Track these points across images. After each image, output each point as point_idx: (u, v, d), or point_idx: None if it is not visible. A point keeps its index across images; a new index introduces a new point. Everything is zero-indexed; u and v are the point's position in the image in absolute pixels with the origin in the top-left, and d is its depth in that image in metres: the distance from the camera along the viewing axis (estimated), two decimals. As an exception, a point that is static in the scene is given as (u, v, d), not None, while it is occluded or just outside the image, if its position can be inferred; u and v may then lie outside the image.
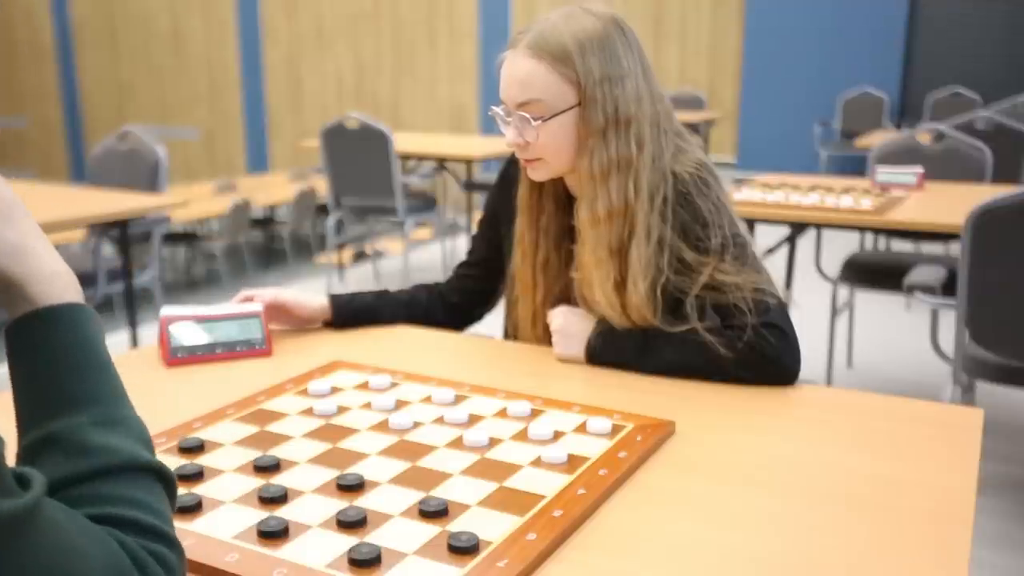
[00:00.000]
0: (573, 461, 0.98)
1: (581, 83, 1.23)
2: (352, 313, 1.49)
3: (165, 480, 0.64)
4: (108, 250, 3.35)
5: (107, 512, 0.58)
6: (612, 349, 1.30)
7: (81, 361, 0.64)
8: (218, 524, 0.85)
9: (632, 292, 1.27)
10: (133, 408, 0.66)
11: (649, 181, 1.27)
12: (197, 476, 0.94)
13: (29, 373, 0.63)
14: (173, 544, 0.61)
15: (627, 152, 1.25)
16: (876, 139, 4.76)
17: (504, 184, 1.50)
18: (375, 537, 0.82)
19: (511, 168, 1.49)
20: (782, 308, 1.25)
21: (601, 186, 1.26)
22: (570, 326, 1.35)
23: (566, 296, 1.41)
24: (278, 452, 1.01)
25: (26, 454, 0.61)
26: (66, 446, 0.60)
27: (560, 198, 1.40)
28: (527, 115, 1.25)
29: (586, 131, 1.25)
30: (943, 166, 3.21)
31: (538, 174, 1.32)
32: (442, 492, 0.91)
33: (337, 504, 0.88)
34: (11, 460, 0.53)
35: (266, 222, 7.79)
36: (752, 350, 1.21)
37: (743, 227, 1.32)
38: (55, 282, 0.65)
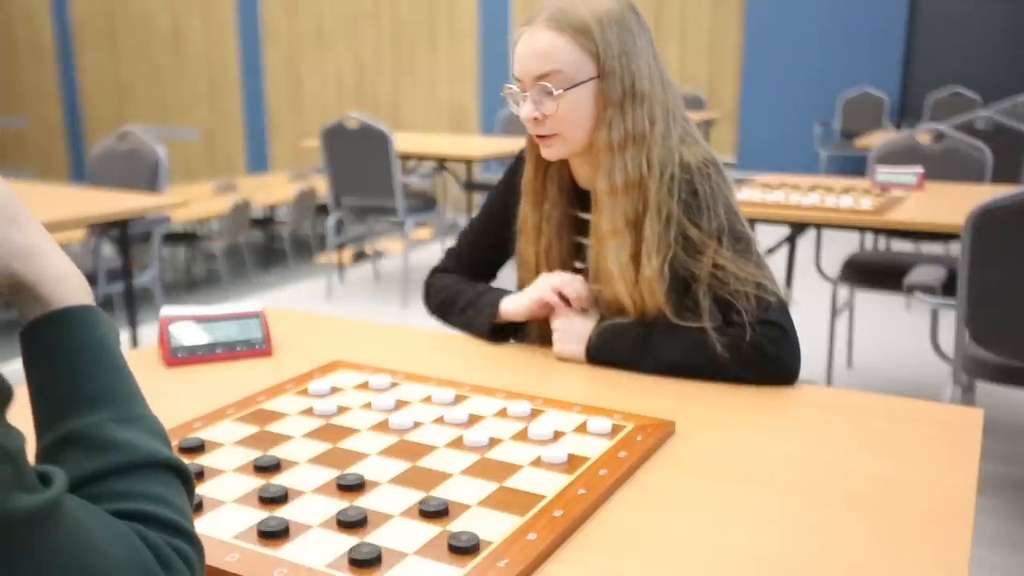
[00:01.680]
0: (573, 461, 0.98)
1: (600, 55, 1.25)
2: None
3: (183, 476, 0.65)
4: (108, 250, 3.35)
5: (129, 508, 0.59)
6: (612, 348, 1.31)
7: (96, 362, 0.64)
8: (218, 524, 0.85)
9: (646, 266, 1.28)
10: (148, 406, 0.67)
11: (659, 158, 1.29)
12: (197, 476, 0.94)
13: (45, 375, 0.63)
14: (193, 540, 0.61)
15: (642, 126, 1.28)
16: (876, 139, 4.76)
17: (513, 179, 1.48)
18: (375, 537, 0.82)
19: (518, 165, 1.48)
20: (783, 307, 1.25)
21: (618, 157, 1.28)
22: (571, 325, 1.35)
23: None
24: (278, 452, 1.01)
25: (46, 454, 0.61)
26: (87, 443, 0.61)
27: (565, 187, 1.41)
28: (548, 85, 1.25)
29: (604, 102, 1.27)
30: (943, 166, 3.21)
31: (553, 152, 1.32)
32: (442, 492, 0.91)
33: (337, 504, 0.88)
34: (31, 461, 0.53)
35: (266, 222, 7.79)
36: (753, 349, 1.22)
37: (747, 225, 1.32)
38: (66, 283, 0.65)
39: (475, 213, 1.61)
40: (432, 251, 6.05)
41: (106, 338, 0.66)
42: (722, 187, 1.31)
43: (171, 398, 1.21)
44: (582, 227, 1.40)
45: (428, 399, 1.17)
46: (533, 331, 1.46)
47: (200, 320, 1.37)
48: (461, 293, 1.48)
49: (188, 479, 0.65)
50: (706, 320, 1.25)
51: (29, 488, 0.50)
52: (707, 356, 1.23)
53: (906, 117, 7.38)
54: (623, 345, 1.30)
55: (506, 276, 1.57)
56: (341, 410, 1.13)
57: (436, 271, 1.57)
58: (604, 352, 1.31)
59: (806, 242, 3.27)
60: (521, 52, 1.29)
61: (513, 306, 1.41)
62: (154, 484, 0.61)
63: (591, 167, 1.35)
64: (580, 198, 1.41)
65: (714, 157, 1.34)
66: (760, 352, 1.22)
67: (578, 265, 1.42)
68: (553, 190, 1.41)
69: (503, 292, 1.45)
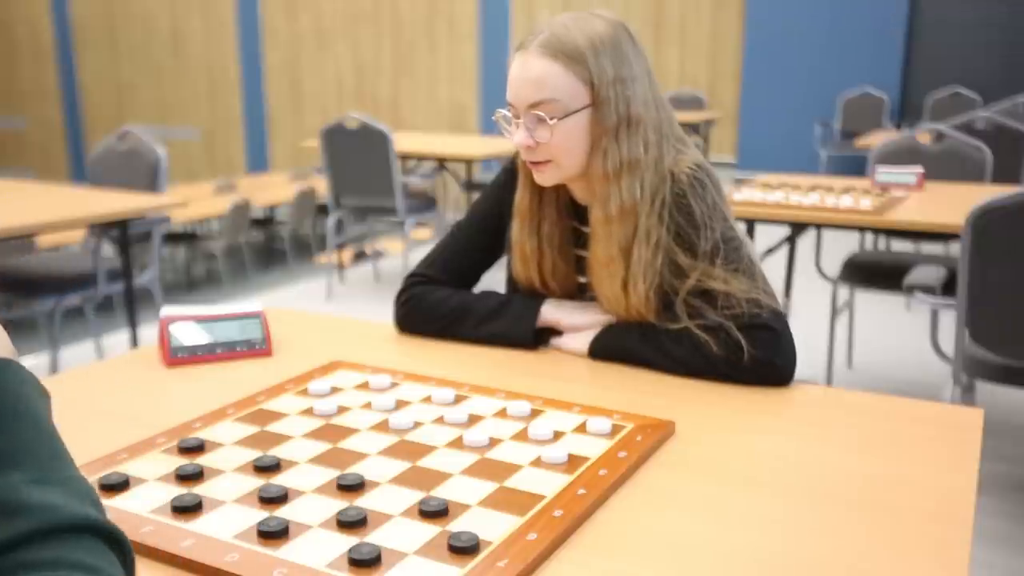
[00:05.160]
0: (573, 461, 0.98)
1: (595, 83, 1.24)
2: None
3: (119, 544, 0.55)
4: (108, 250, 3.35)
5: None
6: (616, 342, 1.32)
7: (12, 416, 0.57)
8: (218, 524, 0.85)
9: (632, 293, 1.28)
10: (78, 469, 0.59)
11: (651, 183, 1.28)
12: (197, 476, 0.94)
13: None
14: None
15: (636, 153, 1.27)
16: (876, 139, 4.76)
17: (503, 193, 1.46)
18: (375, 537, 0.82)
19: (507, 177, 1.46)
20: (775, 312, 1.25)
21: (614, 185, 1.27)
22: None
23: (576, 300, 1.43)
24: (278, 452, 1.01)
25: None
26: None
27: (563, 205, 1.40)
28: (543, 114, 1.24)
29: (600, 130, 1.26)
30: (943, 166, 3.21)
31: (546, 178, 1.31)
32: (442, 492, 0.91)
33: (337, 504, 0.88)
34: None
35: (266, 222, 7.80)
36: (743, 351, 1.21)
37: (740, 231, 1.32)
38: None
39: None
40: (432, 251, 6.04)
41: (29, 397, 0.59)
42: (717, 200, 1.30)
43: (171, 398, 1.21)
44: (582, 239, 1.40)
45: (428, 399, 1.17)
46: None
47: (200, 320, 1.37)
48: (473, 303, 1.42)
49: (123, 546, 0.56)
50: (691, 326, 1.25)
51: None
52: (703, 355, 1.24)
53: (906, 117, 7.39)
54: (627, 340, 1.31)
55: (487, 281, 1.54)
56: (341, 410, 1.13)
57: (419, 282, 1.47)
58: (608, 346, 1.32)
59: (806, 242, 3.27)
60: (514, 78, 1.27)
61: (559, 316, 1.38)
62: (80, 551, 0.52)
63: (587, 187, 1.35)
64: (578, 211, 1.40)
65: (702, 160, 1.33)
66: (750, 355, 1.21)
67: (582, 280, 1.42)
68: (551, 210, 1.39)
69: (529, 299, 1.41)
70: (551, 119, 1.24)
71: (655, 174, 1.28)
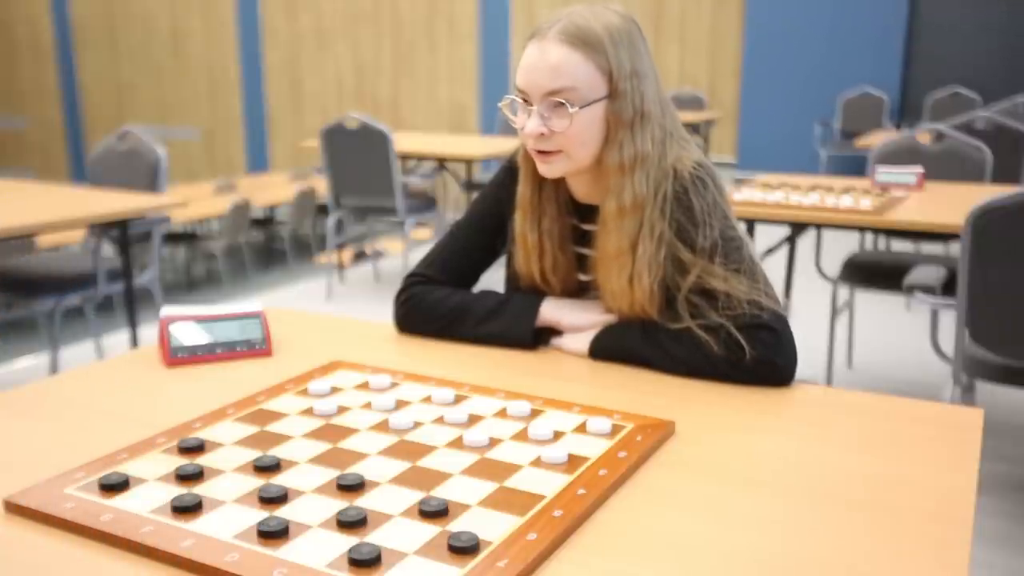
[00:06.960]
0: (573, 461, 0.98)
1: (613, 74, 1.24)
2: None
3: None
4: (108, 250, 3.35)
5: None
6: (617, 342, 1.32)
7: None
8: (218, 524, 0.85)
9: (636, 287, 1.28)
10: None
11: (655, 178, 1.28)
12: (197, 476, 0.94)
13: None
14: None
15: (647, 148, 1.27)
16: (876, 139, 4.76)
17: (502, 192, 1.47)
18: (375, 537, 0.82)
19: (506, 176, 1.47)
20: (776, 312, 1.25)
21: (627, 178, 1.27)
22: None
23: (576, 298, 1.42)
24: (278, 452, 1.01)
25: None
26: None
27: (563, 202, 1.40)
28: (563, 100, 1.23)
29: (615, 122, 1.26)
30: (943, 166, 3.21)
31: (554, 169, 1.30)
32: (442, 492, 0.91)
33: (337, 504, 0.88)
34: None
35: (266, 222, 7.80)
36: (744, 351, 1.21)
37: (741, 230, 1.32)
38: None
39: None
40: (432, 251, 6.03)
41: None
42: (717, 198, 1.30)
43: (171, 398, 1.21)
44: (581, 238, 1.40)
45: (428, 399, 1.17)
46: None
47: (200, 320, 1.37)
48: (472, 303, 1.42)
49: None
50: (692, 325, 1.25)
51: None
52: (703, 355, 1.24)
53: (906, 117, 7.39)
54: (627, 339, 1.31)
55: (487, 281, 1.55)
56: (341, 410, 1.13)
57: (418, 282, 1.47)
58: (608, 346, 1.32)
59: (806, 242, 3.27)
60: (531, 65, 1.25)
61: (559, 316, 1.38)
62: None
63: (590, 184, 1.34)
64: (578, 209, 1.40)
65: (706, 160, 1.33)
66: (752, 357, 1.21)
67: (582, 277, 1.42)
68: (551, 206, 1.39)
69: (529, 298, 1.41)
70: (572, 108, 1.23)
71: (658, 170, 1.29)
